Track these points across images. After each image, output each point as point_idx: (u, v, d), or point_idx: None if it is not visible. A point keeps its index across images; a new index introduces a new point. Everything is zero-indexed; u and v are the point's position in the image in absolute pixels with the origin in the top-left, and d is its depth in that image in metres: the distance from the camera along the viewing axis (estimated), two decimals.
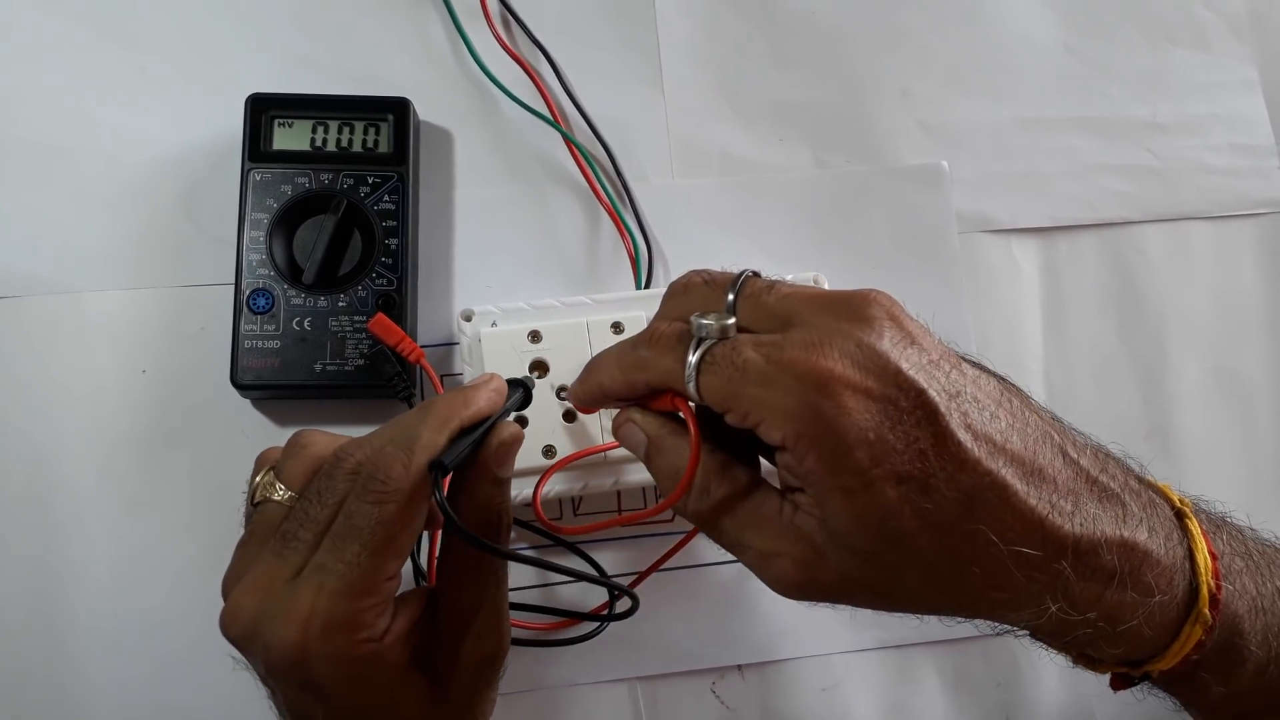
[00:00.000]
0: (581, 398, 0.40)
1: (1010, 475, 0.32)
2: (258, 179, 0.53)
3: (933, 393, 0.32)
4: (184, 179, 0.56)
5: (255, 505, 0.40)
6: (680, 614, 0.53)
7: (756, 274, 0.37)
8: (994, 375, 0.36)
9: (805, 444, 0.32)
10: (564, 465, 0.50)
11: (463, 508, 0.40)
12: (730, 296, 0.36)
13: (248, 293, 0.52)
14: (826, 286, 0.54)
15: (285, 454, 0.40)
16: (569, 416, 0.51)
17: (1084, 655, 0.37)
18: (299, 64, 0.58)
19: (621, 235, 0.57)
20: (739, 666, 0.53)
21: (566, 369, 0.51)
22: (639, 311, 0.53)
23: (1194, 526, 0.36)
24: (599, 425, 0.51)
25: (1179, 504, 0.37)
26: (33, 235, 0.55)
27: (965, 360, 0.36)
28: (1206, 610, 0.34)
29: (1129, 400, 0.59)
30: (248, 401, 0.53)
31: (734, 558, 0.50)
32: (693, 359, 0.34)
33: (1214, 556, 0.35)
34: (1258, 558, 0.38)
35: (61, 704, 0.50)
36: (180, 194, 0.56)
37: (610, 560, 0.53)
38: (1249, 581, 0.36)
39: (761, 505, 0.36)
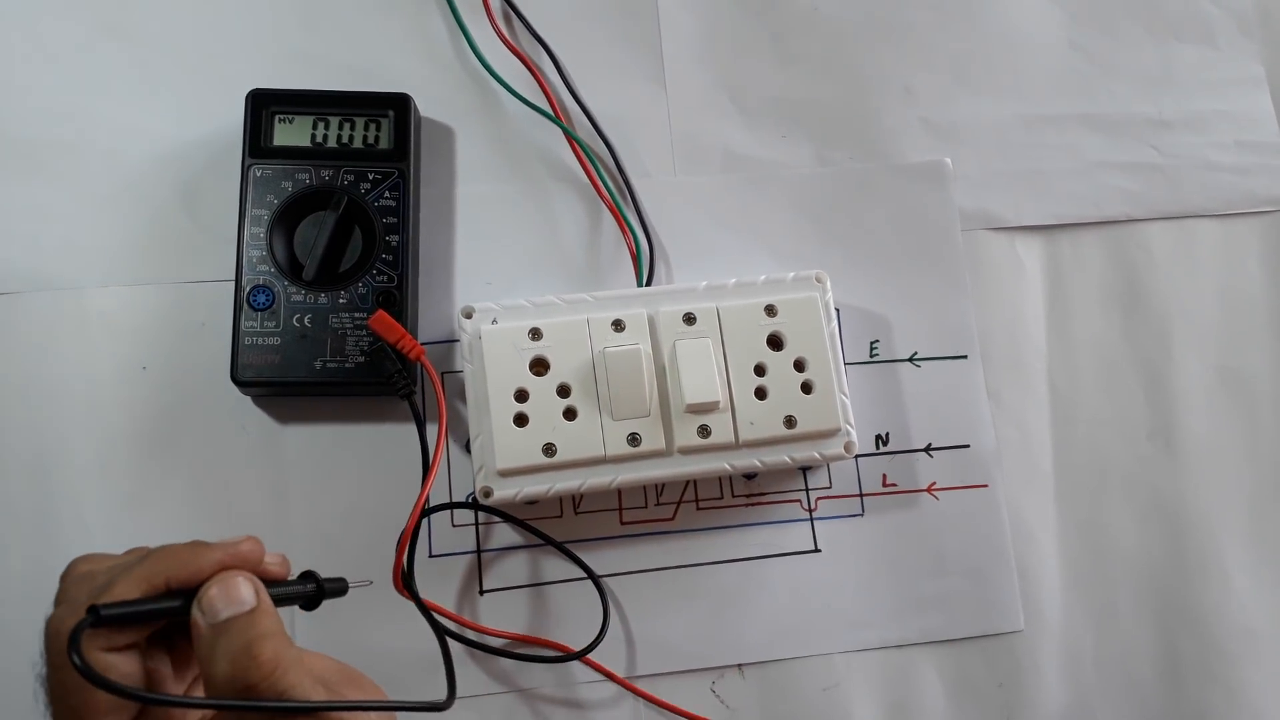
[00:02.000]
0: None
1: None
2: (258, 175, 0.53)
3: None
4: (184, 175, 0.56)
5: None
6: (680, 613, 0.53)
7: None
8: None
9: None
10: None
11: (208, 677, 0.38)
12: None
13: (248, 289, 0.52)
14: (829, 285, 0.54)
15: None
16: (569, 414, 0.51)
17: None
18: (300, 60, 0.58)
19: (623, 232, 0.57)
20: (739, 666, 0.53)
21: (567, 366, 0.51)
22: (640, 309, 0.53)
23: None
24: (599, 427, 0.51)
25: None
26: (33, 231, 0.54)
27: None
28: None
29: (1132, 399, 0.59)
30: (248, 398, 0.53)
31: (735, 557, 0.50)
32: None
33: None
34: None
35: None
36: (181, 190, 0.56)
37: (603, 560, 0.53)
38: None
39: None
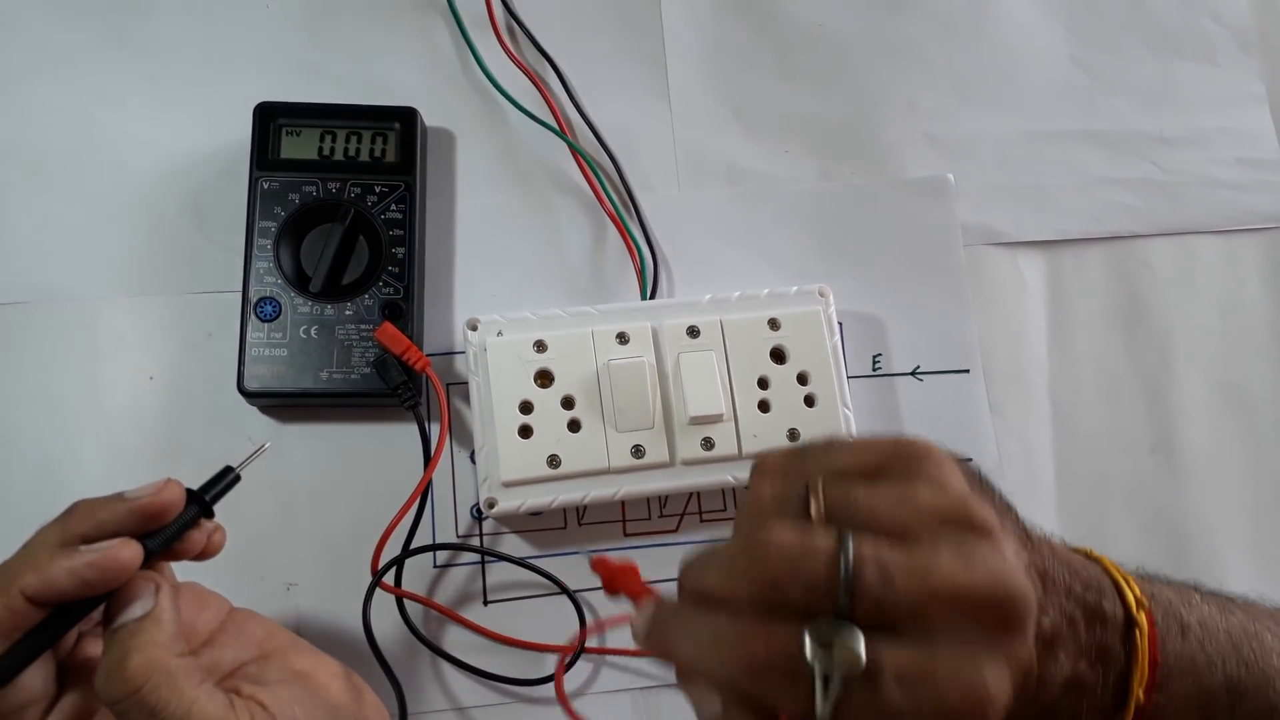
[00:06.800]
0: (655, 655, 0.34)
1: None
2: (265, 187, 0.54)
3: (1036, 662, 0.32)
4: (192, 187, 0.56)
5: None
6: None
7: (858, 552, 0.30)
8: (1023, 537, 0.34)
9: None
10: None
11: None
12: (843, 600, 0.29)
13: (255, 300, 0.52)
14: (831, 299, 0.54)
15: None
16: (573, 426, 0.51)
17: None
18: (307, 73, 0.58)
19: (627, 245, 0.57)
20: None
21: (571, 378, 0.51)
22: (644, 322, 0.53)
23: (1141, 638, 0.35)
24: (603, 438, 0.51)
25: (1134, 608, 0.36)
26: (42, 243, 0.55)
27: (1018, 521, 0.35)
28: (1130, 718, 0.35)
29: (1134, 414, 0.59)
30: (254, 408, 0.53)
31: None
32: (825, 713, 0.29)
33: (1155, 665, 0.35)
34: (1212, 648, 0.37)
35: None
36: (188, 202, 0.56)
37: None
38: (1190, 681, 0.37)
39: None
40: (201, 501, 0.40)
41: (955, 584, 0.30)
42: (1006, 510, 0.34)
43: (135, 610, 0.37)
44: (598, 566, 0.39)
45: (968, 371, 0.58)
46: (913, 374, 0.57)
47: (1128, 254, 0.61)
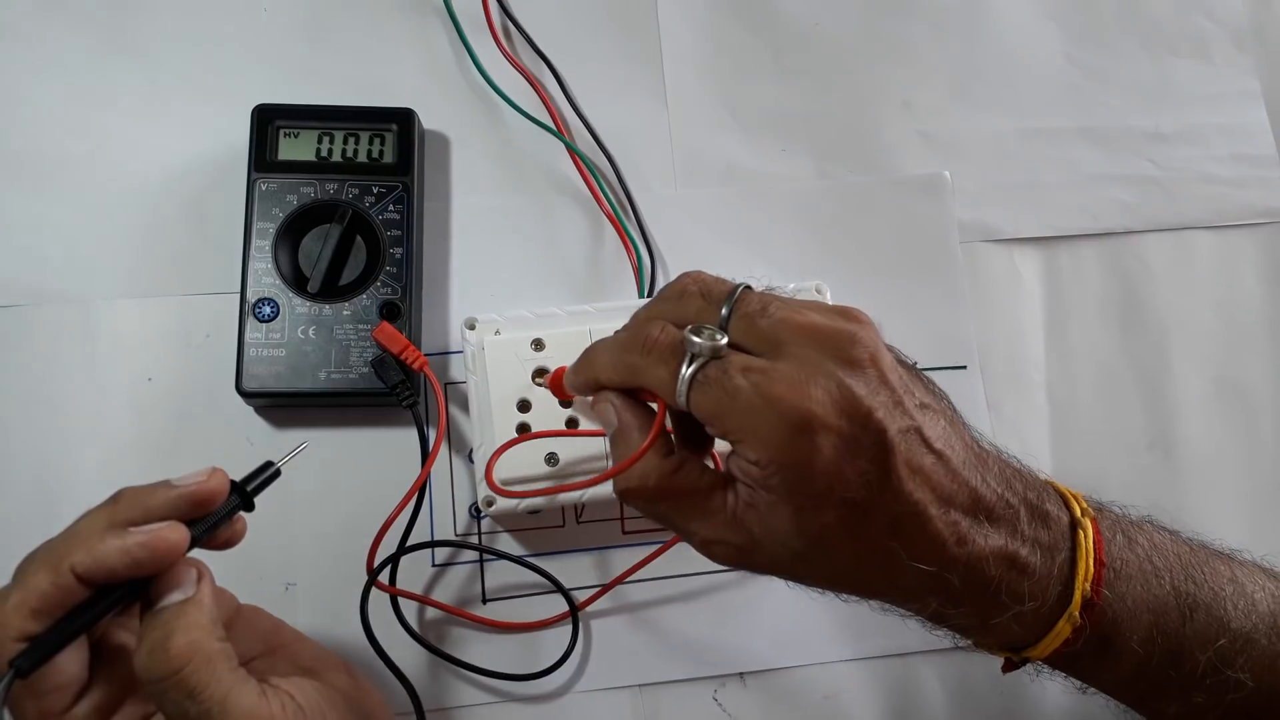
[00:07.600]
0: (577, 388, 0.43)
1: (931, 505, 0.36)
2: (264, 189, 0.54)
3: (892, 434, 0.35)
4: (191, 189, 0.56)
5: None
6: (682, 621, 0.53)
7: (750, 287, 0.39)
8: (943, 409, 0.39)
9: (775, 467, 0.36)
10: (535, 437, 0.50)
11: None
12: (724, 311, 0.38)
13: (253, 301, 0.52)
14: (828, 297, 0.54)
15: None
16: (571, 424, 0.51)
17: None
18: (305, 75, 0.59)
19: (624, 244, 0.57)
20: (741, 674, 0.53)
21: None
22: None
23: (1085, 538, 0.39)
24: (601, 436, 0.51)
25: (1079, 514, 0.39)
26: (40, 244, 0.55)
27: (924, 388, 0.39)
28: (1077, 613, 0.38)
29: (1131, 410, 0.59)
30: (252, 409, 0.53)
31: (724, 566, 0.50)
32: (685, 374, 0.37)
33: (1101, 564, 0.39)
34: (1160, 561, 0.41)
35: None
36: (187, 203, 0.56)
37: (605, 569, 0.53)
38: (1139, 586, 0.40)
39: (709, 499, 0.38)
40: (243, 493, 0.40)
41: (815, 321, 0.37)
42: (940, 395, 0.39)
43: (177, 595, 0.38)
44: (548, 385, 0.50)
45: (965, 368, 0.58)
46: None
47: (1124, 250, 0.61)
